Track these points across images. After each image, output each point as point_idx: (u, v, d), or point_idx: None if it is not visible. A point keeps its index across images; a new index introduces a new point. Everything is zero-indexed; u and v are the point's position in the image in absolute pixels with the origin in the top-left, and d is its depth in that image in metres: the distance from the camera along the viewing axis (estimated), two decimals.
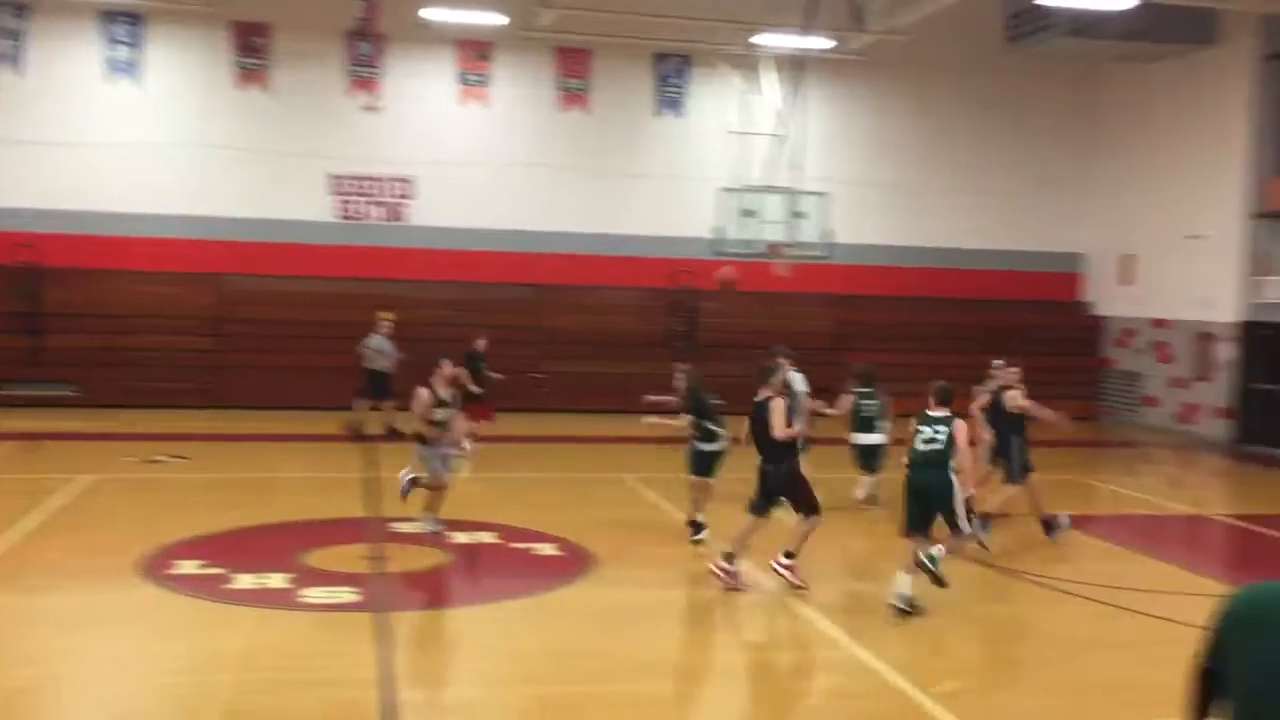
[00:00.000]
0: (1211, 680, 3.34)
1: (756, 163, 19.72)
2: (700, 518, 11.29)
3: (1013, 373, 12.31)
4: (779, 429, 9.50)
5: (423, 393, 11.24)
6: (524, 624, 8.89)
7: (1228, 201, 20.71)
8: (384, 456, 14.94)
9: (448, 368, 11.58)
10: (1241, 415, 20.56)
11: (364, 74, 21.84)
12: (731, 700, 7.75)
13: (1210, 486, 18.00)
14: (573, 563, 10.43)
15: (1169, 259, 22.25)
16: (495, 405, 16.90)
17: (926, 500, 9.22)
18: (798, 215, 18.77)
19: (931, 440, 9.23)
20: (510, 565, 10.62)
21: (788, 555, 9.59)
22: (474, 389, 15.90)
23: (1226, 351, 20.87)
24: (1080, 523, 12.77)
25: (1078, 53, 21.64)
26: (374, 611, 8.72)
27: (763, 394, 9.75)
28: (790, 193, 18.63)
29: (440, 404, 11.27)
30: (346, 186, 21.99)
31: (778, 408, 9.58)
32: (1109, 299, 24.29)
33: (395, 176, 22.07)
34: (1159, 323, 22.65)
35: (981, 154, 23.94)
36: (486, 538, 11.29)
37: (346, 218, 22.01)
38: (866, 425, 13.32)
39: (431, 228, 22.12)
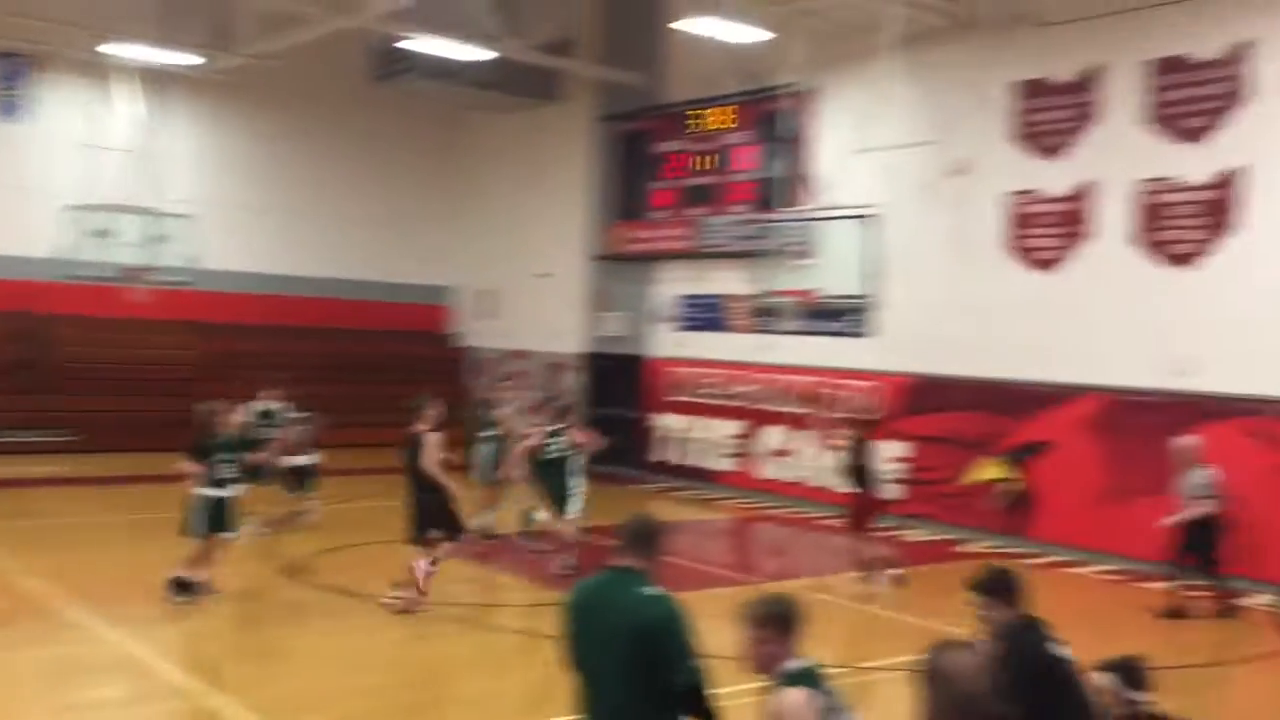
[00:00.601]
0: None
1: (110, 180, 18.32)
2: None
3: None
4: (431, 461, 10.37)
5: None
6: None
7: (572, 244, 22.89)
8: None
9: None
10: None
11: None
12: None
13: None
14: None
15: (525, 295, 24.11)
16: None
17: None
18: (158, 238, 17.72)
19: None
20: None
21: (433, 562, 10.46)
22: None
23: (574, 380, 23.02)
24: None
25: (438, 96, 22.81)
26: None
27: (417, 427, 10.57)
28: (150, 214, 17.56)
29: None
30: None
31: (431, 441, 10.43)
32: (473, 331, 25.74)
33: None
34: (518, 353, 24.43)
35: (355, 185, 24.31)
36: None
37: None
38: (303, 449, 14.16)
39: None
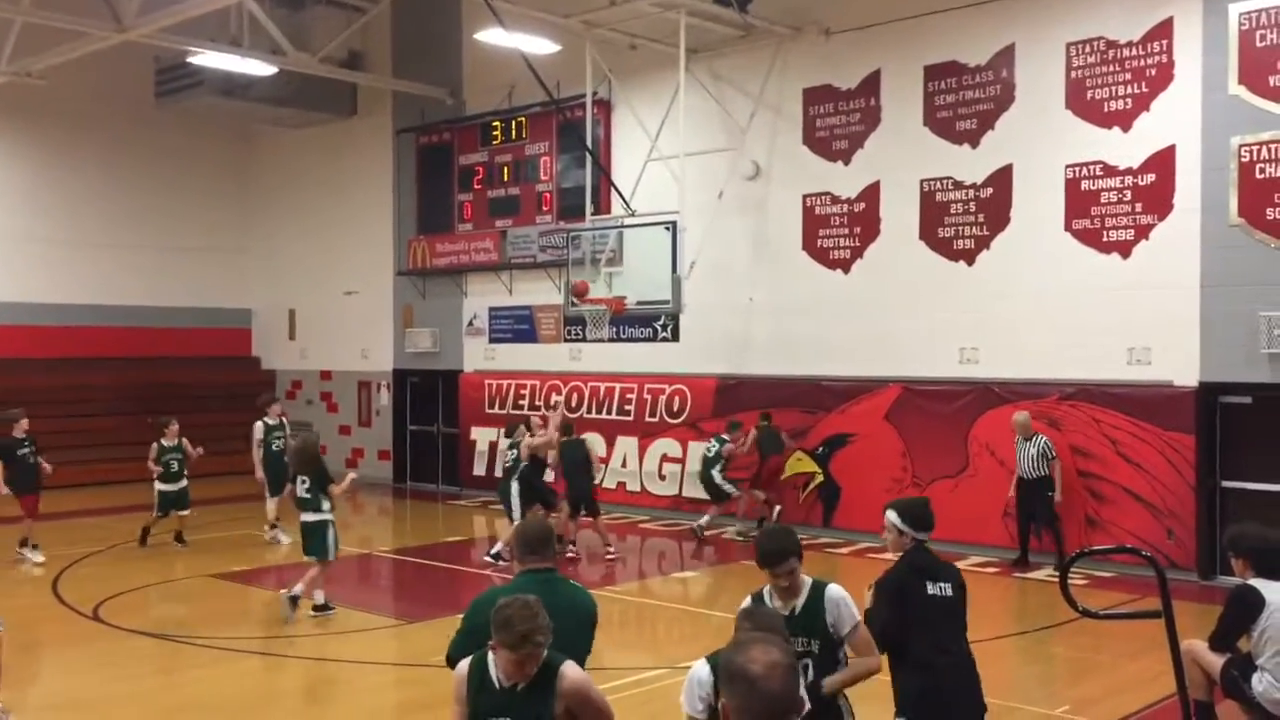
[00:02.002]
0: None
1: None
2: None
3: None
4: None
5: None
6: None
7: (380, 260, 22.50)
8: None
9: None
10: (399, 455, 22.42)
11: None
12: None
13: (376, 525, 19.30)
14: None
15: (331, 314, 23.56)
16: None
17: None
18: None
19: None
20: None
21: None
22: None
23: (384, 398, 22.63)
24: (256, 577, 12.93)
25: (230, 113, 22.07)
26: None
27: None
28: None
29: None
30: None
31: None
32: (279, 353, 24.99)
33: None
34: (325, 374, 23.84)
35: (143, 209, 23.25)
36: None
37: None
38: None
39: None
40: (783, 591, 5.19)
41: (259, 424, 15.70)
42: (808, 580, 5.24)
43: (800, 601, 5.18)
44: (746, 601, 5.18)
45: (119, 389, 22.18)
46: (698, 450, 16.99)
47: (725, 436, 15.82)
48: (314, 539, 11.22)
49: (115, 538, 15.80)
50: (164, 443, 15.22)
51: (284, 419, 16.36)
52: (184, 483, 15.24)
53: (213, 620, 11.30)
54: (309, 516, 11.29)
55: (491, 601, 4.53)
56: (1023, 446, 13.50)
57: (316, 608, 11.29)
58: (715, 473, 15.74)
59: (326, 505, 11.28)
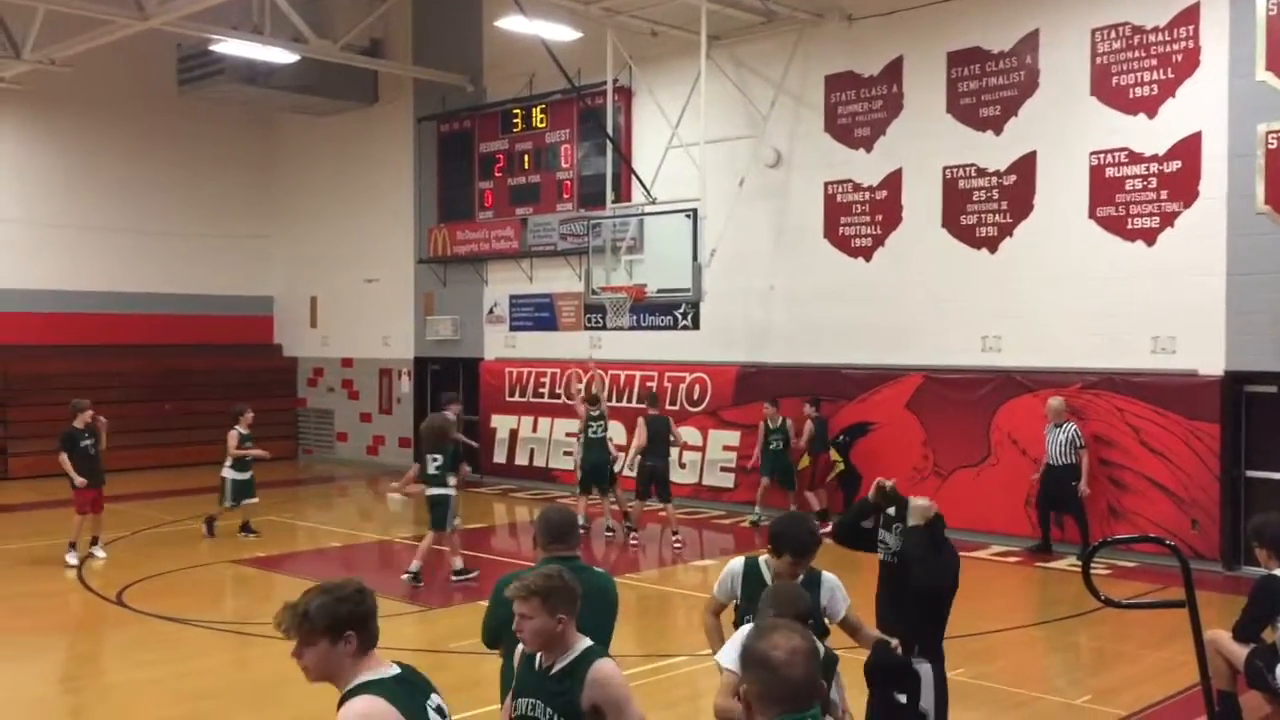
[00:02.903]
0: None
1: None
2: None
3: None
4: None
5: None
6: None
7: (401, 248, 22.53)
8: None
9: None
10: (419, 443, 22.42)
11: None
12: None
13: (395, 512, 19.35)
14: None
15: (352, 301, 23.62)
16: None
17: None
18: None
19: None
20: None
21: None
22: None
23: (405, 385, 22.69)
24: (276, 563, 13.01)
25: (252, 101, 22.13)
26: None
27: None
28: None
29: None
30: None
31: None
32: (300, 341, 25.09)
33: None
34: (346, 362, 23.92)
35: (165, 196, 23.30)
36: None
37: None
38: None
39: None
40: (788, 575, 5.36)
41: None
42: None
43: (799, 581, 5.35)
44: (738, 562, 5.65)
45: (140, 376, 22.32)
46: (719, 439, 16.98)
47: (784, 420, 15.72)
48: (437, 511, 12.11)
49: (139, 523, 15.92)
50: (241, 430, 14.91)
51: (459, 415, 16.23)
52: (252, 471, 15.05)
53: (235, 606, 11.37)
54: (436, 491, 12.14)
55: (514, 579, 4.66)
56: (1053, 433, 13.43)
57: (456, 573, 12.17)
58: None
59: (452, 481, 12.16)
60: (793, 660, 3.02)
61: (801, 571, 5.38)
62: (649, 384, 18.13)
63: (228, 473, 14.83)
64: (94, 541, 13.53)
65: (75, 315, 22.09)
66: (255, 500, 15.03)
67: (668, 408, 17.31)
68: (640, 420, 14.95)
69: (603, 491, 15.03)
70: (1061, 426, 13.37)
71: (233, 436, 14.87)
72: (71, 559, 13.06)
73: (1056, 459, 13.38)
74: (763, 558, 5.52)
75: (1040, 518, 13.74)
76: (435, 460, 12.10)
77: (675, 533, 14.61)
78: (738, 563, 5.62)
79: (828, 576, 5.51)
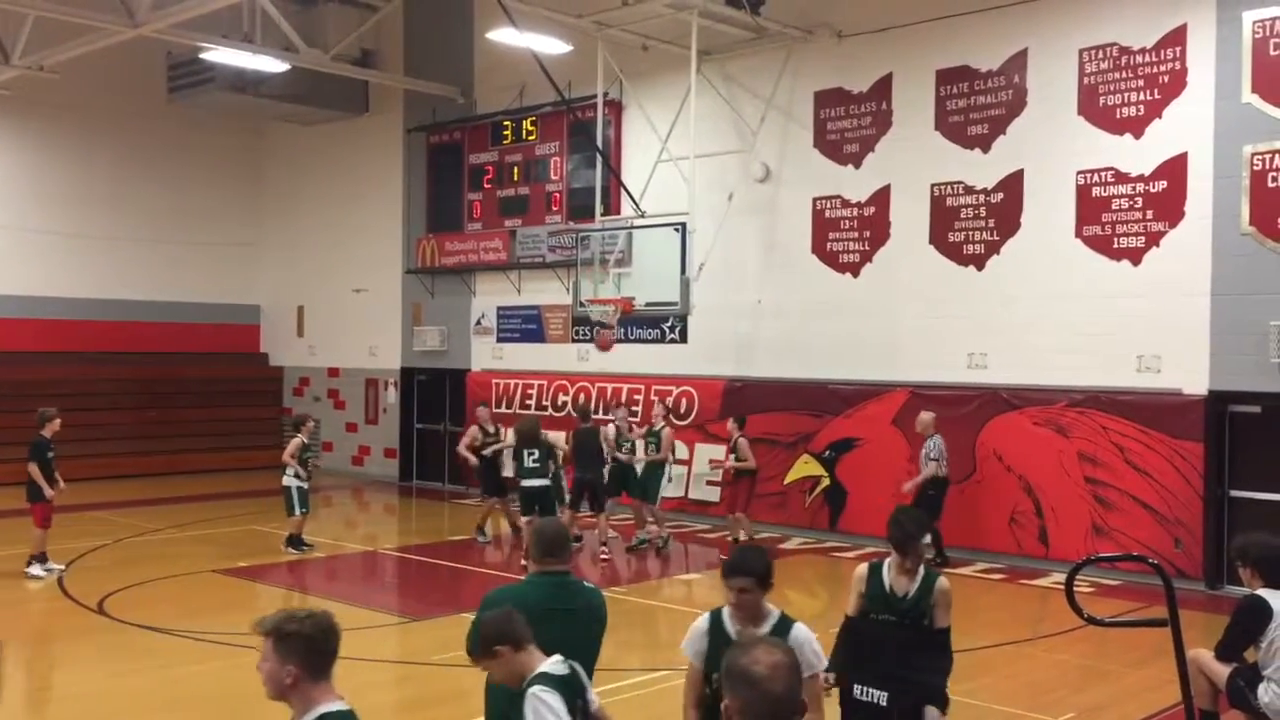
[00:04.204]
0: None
1: None
2: None
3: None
4: None
5: None
6: None
7: (389, 258, 22.50)
8: None
9: None
10: (405, 454, 22.43)
11: None
12: None
13: (381, 522, 19.32)
14: None
15: (339, 311, 23.58)
16: None
17: None
18: None
19: None
20: None
21: None
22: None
23: (391, 395, 22.65)
24: (260, 572, 12.95)
25: (242, 109, 22.11)
26: None
27: None
28: None
29: None
30: None
31: None
32: (287, 350, 25.01)
33: None
34: (332, 371, 23.87)
35: (153, 203, 23.25)
36: None
37: None
38: None
39: None
40: (742, 616, 4.89)
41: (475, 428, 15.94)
42: (774, 611, 4.93)
43: (766, 630, 4.82)
44: (702, 619, 5.09)
45: (126, 383, 22.26)
46: (705, 452, 16.98)
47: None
48: (546, 500, 13.42)
49: (120, 532, 15.83)
50: (305, 439, 14.85)
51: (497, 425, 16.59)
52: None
53: (217, 615, 11.29)
54: (534, 482, 13.51)
55: (498, 600, 4.73)
56: (926, 444, 13.88)
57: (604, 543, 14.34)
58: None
59: (551, 472, 13.64)
60: (774, 675, 3.00)
61: (747, 605, 4.88)
62: (635, 397, 18.13)
63: (290, 481, 14.59)
64: (42, 559, 12.92)
65: (61, 322, 21.99)
66: (308, 510, 14.87)
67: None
68: (568, 433, 15.06)
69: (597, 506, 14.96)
70: (932, 438, 13.78)
71: (294, 444, 14.75)
72: (38, 571, 12.77)
73: (931, 466, 13.77)
74: (725, 609, 5.00)
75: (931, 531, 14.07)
76: (532, 455, 13.49)
77: (604, 544, 14.65)
78: (701, 620, 5.03)
79: (799, 629, 4.88)
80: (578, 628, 4.83)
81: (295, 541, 14.56)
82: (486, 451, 15.61)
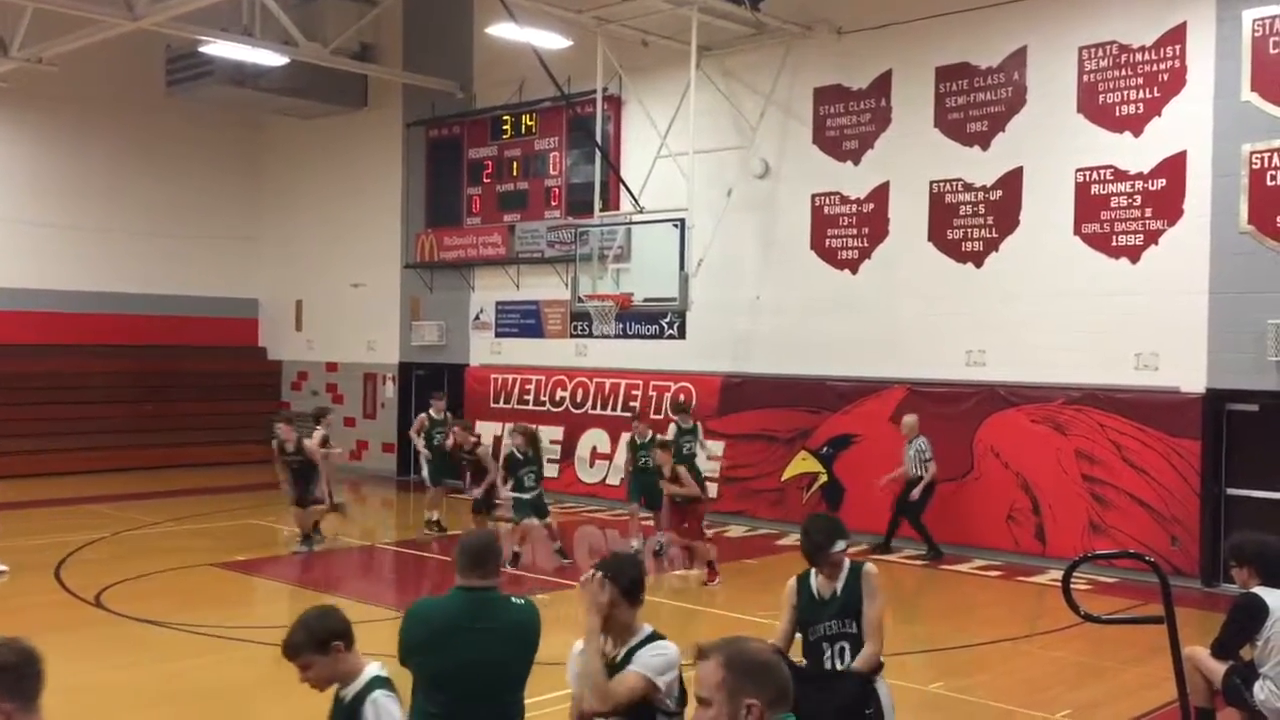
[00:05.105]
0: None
1: None
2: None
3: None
4: None
5: None
6: None
7: (388, 252, 22.49)
8: None
9: None
10: (404, 448, 22.37)
11: None
12: None
13: (378, 517, 19.31)
14: None
15: (337, 306, 23.56)
16: None
17: None
18: None
19: None
20: None
21: None
22: None
23: (389, 390, 22.63)
24: (256, 566, 12.95)
25: (240, 103, 22.08)
26: None
27: None
28: None
29: None
30: None
31: None
32: (285, 344, 25.00)
33: None
34: (330, 366, 23.85)
35: (151, 196, 23.22)
36: None
37: None
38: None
39: None
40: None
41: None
42: (645, 628, 4.52)
43: (626, 649, 4.41)
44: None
45: (123, 376, 22.24)
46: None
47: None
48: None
49: (117, 525, 15.83)
50: (433, 415, 15.51)
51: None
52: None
53: (214, 609, 11.30)
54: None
55: (419, 612, 4.81)
56: (908, 448, 14.32)
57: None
58: None
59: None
60: (778, 658, 3.11)
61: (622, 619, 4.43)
62: (634, 393, 18.13)
63: (425, 453, 15.40)
64: None
65: (59, 314, 21.98)
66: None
67: (652, 417, 17.28)
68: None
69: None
70: (913, 442, 14.19)
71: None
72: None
73: (910, 471, 14.22)
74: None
75: (891, 520, 14.52)
76: (531, 473, 13.19)
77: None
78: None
79: (664, 646, 4.40)
80: (496, 646, 4.62)
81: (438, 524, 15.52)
82: (476, 492, 14.34)
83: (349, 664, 4.27)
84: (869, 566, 5.63)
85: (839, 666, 5.41)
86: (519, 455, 13.23)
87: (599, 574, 4.36)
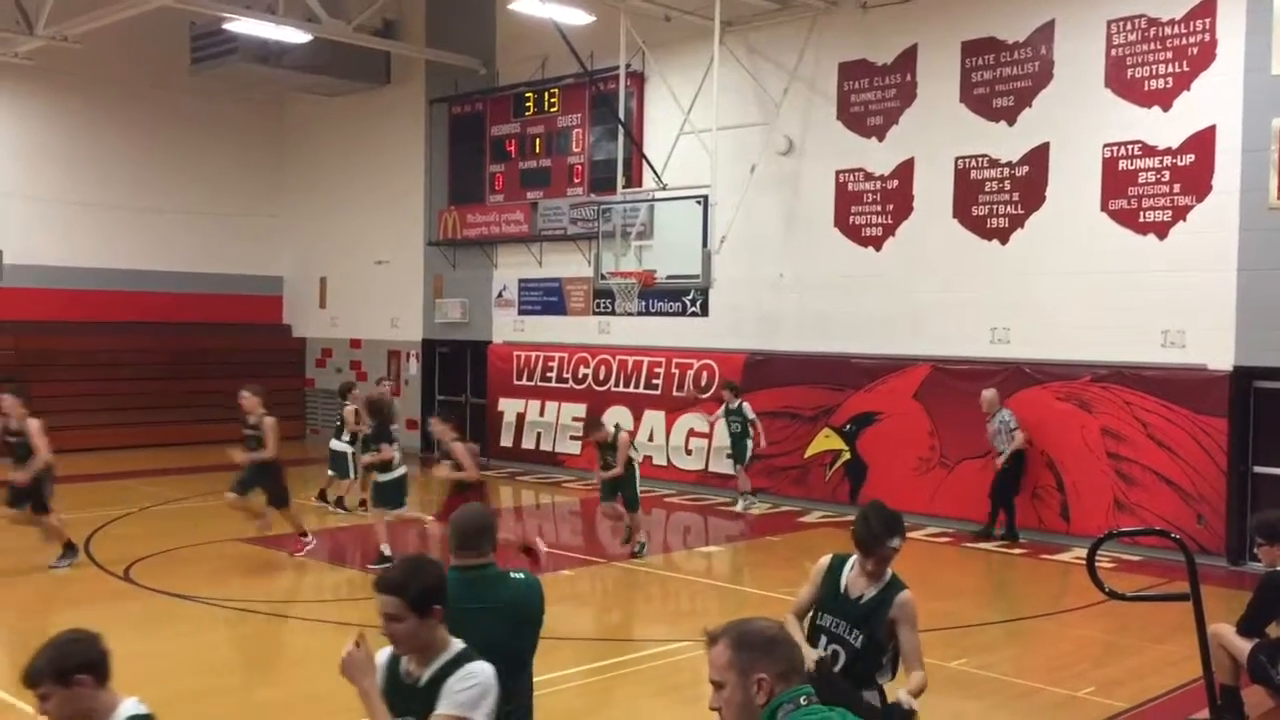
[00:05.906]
0: None
1: None
2: None
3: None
4: None
5: None
6: None
7: (411, 230, 22.53)
8: None
9: None
10: (427, 425, 22.45)
11: None
12: None
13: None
14: None
15: (361, 283, 23.64)
16: None
17: None
18: None
19: None
20: None
21: None
22: None
23: (413, 367, 22.73)
24: (280, 542, 13.07)
25: (264, 80, 22.11)
26: None
27: None
28: None
29: None
30: None
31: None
32: (309, 321, 25.12)
33: None
34: (354, 343, 23.96)
35: (176, 174, 23.31)
36: None
37: None
38: None
39: None
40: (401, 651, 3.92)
41: None
42: (456, 644, 3.92)
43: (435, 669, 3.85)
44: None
45: (149, 353, 22.40)
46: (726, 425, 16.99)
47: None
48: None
49: (144, 500, 15.98)
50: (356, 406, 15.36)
51: None
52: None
53: (241, 583, 11.42)
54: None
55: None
56: (991, 425, 14.05)
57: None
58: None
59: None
60: (782, 630, 3.15)
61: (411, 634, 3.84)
62: (656, 370, 18.13)
63: (344, 446, 15.40)
64: None
65: (86, 292, 22.12)
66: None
67: (674, 394, 17.29)
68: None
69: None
70: (996, 415, 13.91)
71: (350, 412, 15.16)
72: None
73: (1000, 448, 13.93)
74: None
75: (991, 507, 14.10)
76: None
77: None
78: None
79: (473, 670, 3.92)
80: (499, 625, 4.45)
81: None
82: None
83: (96, 701, 3.66)
84: (907, 594, 5.14)
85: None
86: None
87: (354, 644, 3.74)
